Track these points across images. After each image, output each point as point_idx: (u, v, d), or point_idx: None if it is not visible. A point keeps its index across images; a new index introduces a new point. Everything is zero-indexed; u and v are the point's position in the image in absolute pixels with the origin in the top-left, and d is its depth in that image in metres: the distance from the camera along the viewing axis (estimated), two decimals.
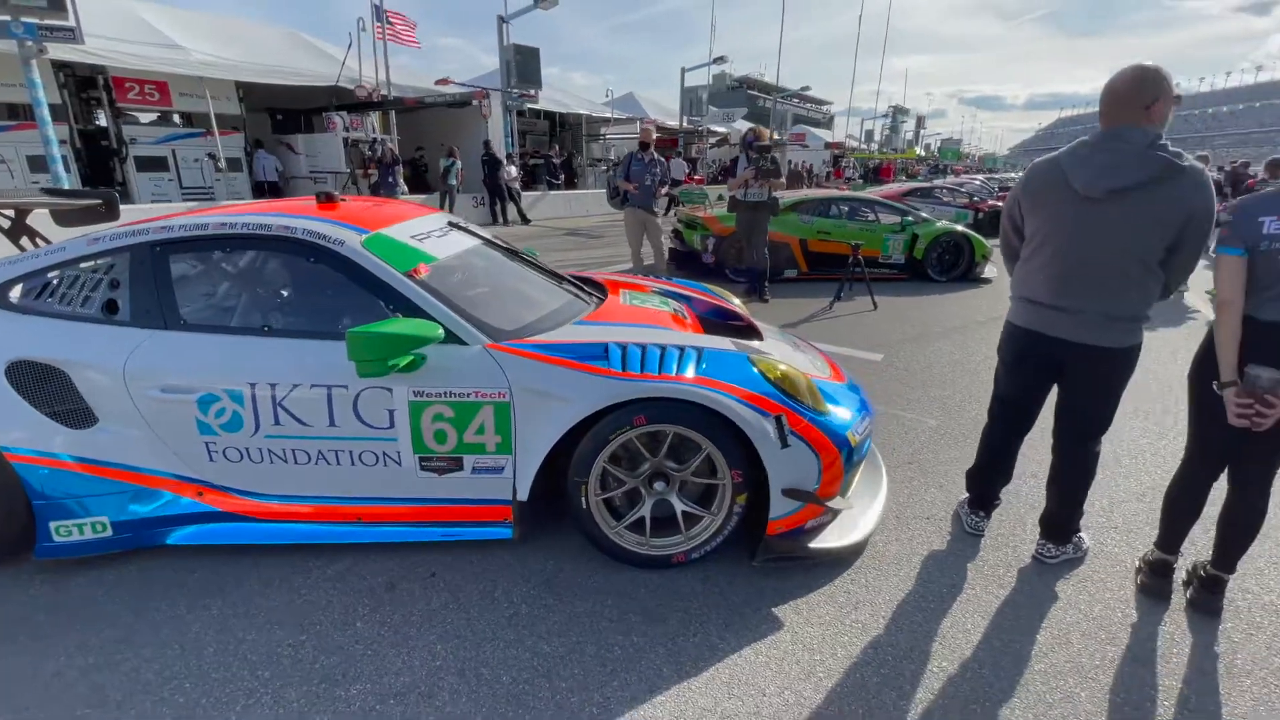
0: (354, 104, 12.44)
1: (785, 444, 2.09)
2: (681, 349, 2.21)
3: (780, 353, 2.63)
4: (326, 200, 2.51)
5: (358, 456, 2.14)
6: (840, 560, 2.29)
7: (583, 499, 2.13)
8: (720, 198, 8.96)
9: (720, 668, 1.82)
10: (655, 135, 7.05)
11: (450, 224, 2.80)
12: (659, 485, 2.19)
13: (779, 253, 7.52)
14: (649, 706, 1.69)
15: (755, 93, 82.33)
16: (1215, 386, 1.87)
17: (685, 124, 19.33)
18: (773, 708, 1.69)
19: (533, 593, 2.10)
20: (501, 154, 13.93)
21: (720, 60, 20.11)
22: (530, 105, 14.89)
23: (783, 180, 6.64)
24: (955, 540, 2.45)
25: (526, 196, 14.80)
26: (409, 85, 13.49)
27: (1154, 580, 2.14)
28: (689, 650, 1.88)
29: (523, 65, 13.87)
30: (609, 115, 18.49)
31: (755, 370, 2.20)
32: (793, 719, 1.66)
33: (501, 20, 13.96)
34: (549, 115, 18.79)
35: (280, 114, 14.46)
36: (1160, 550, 2.15)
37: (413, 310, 2.11)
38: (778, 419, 2.09)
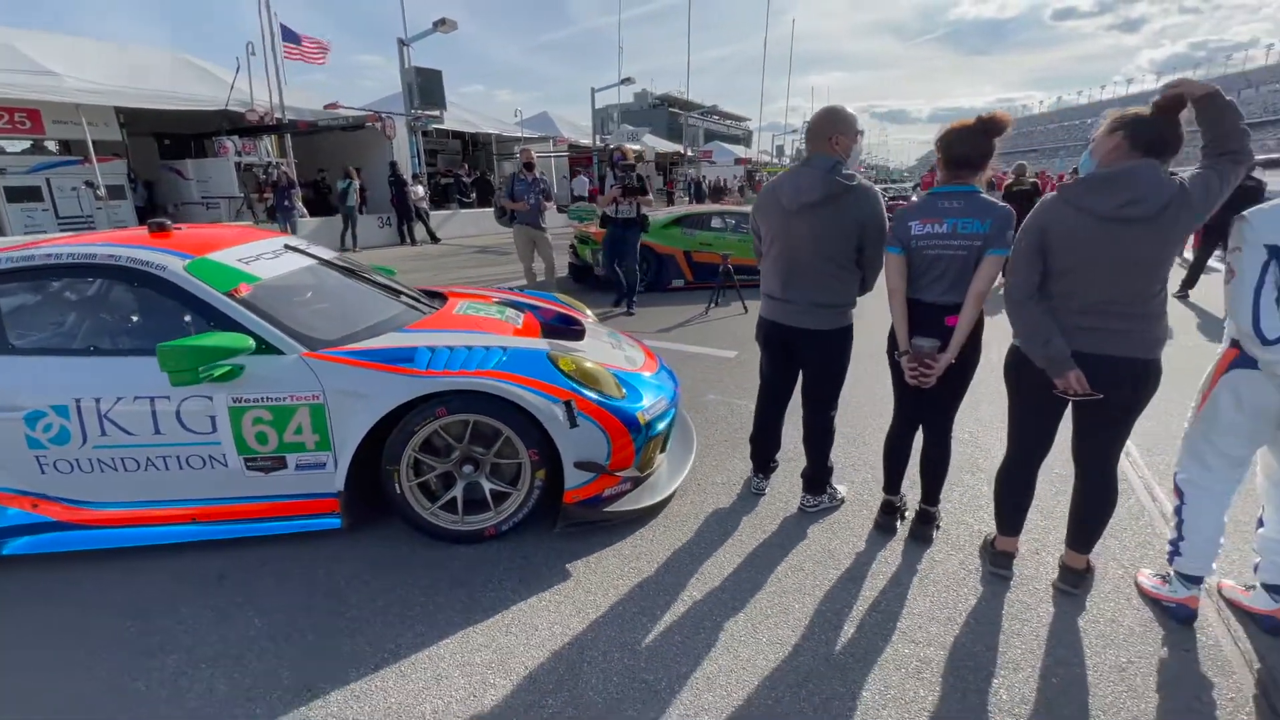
0: (246, 128, 12.20)
1: (574, 424, 2.46)
2: (488, 349, 2.56)
3: (595, 350, 3.03)
4: (158, 229, 2.72)
5: (185, 461, 2.36)
6: (638, 520, 2.69)
7: (396, 485, 2.43)
8: None
9: (507, 614, 2.15)
10: (536, 156, 7.36)
11: (287, 246, 3.05)
12: (468, 469, 2.51)
13: (666, 264, 8.07)
14: (436, 647, 2.00)
15: (676, 110, 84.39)
16: (895, 355, 2.39)
17: (599, 141, 19.88)
18: (542, 638, 2.04)
19: (354, 571, 2.37)
20: (408, 174, 13.97)
21: (628, 81, 20.84)
22: (436, 125, 14.99)
23: (649, 197, 6.72)
24: (740, 500, 2.89)
25: (437, 215, 14.85)
26: (306, 108, 13.34)
27: (883, 518, 2.64)
28: (484, 603, 2.20)
29: (425, 87, 14.00)
30: (520, 134, 18.79)
31: (551, 364, 2.57)
32: (557, 645, 2.01)
33: (402, 43, 14.05)
34: (460, 135, 18.91)
35: (169, 139, 13.95)
36: (886, 493, 2.65)
37: (231, 325, 2.36)
38: (567, 404, 2.46)
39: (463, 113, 18.27)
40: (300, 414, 2.34)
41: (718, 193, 23.45)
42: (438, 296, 3.45)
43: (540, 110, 22.76)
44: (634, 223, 6.58)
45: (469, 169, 18.08)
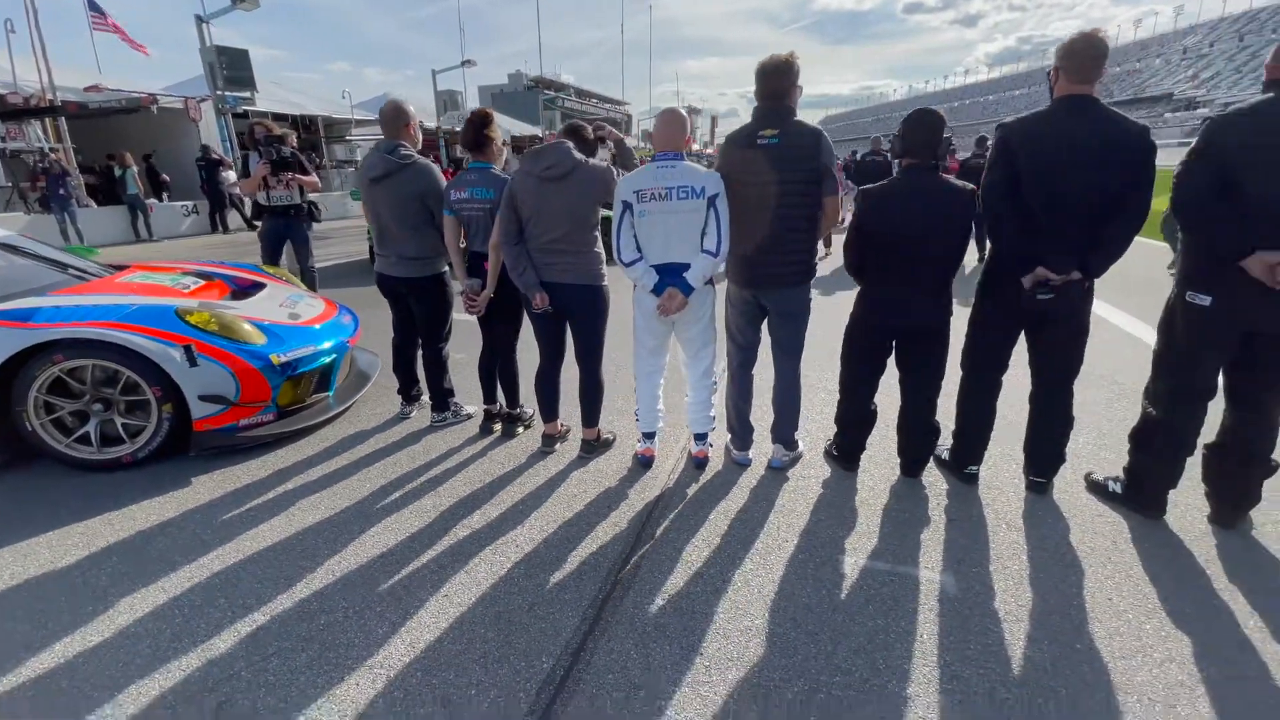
0: (8, 112, 11.12)
1: (194, 364, 2.97)
2: (117, 305, 3.01)
3: (258, 307, 3.55)
4: None
5: None
6: (279, 441, 3.26)
7: (26, 423, 2.84)
8: None
9: (116, 513, 2.65)
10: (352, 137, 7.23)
11: None
12: (98, 407, 2.95)
13: None
14: (49, 534, 2.47)
15: (551, 93, 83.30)
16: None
17: (441, 124, 19.72)
18: (137, 524, 2.56)
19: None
20: (230, 158, 13.33)
21: (468, 63, 20.80)
22: (249, 107, 14.32)
23: (315, 179, 5.35)
24: (387, 423, 3.55)
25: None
26: (88, 90, 12.31)
27: (485, 423, 3.39)
28: (99, 506, 2.68)
29: (231, 67, 13.35)
30: (350, 117, 18.28)
31: (177, 317, 3.05)
32: (145, 525, 2.55)
33: (200, 20, 13.28)
34: (285, 117, 18.05)
35: None
36: (485, 404, 3.40)
37: None
38: (186, 348, 2.97)
39: (289, 94, 17.48)
40: None
41: None
42: (119, 269, 3.79)
43: (382, 93, 22.11)
44: (298, 210, 5.25)
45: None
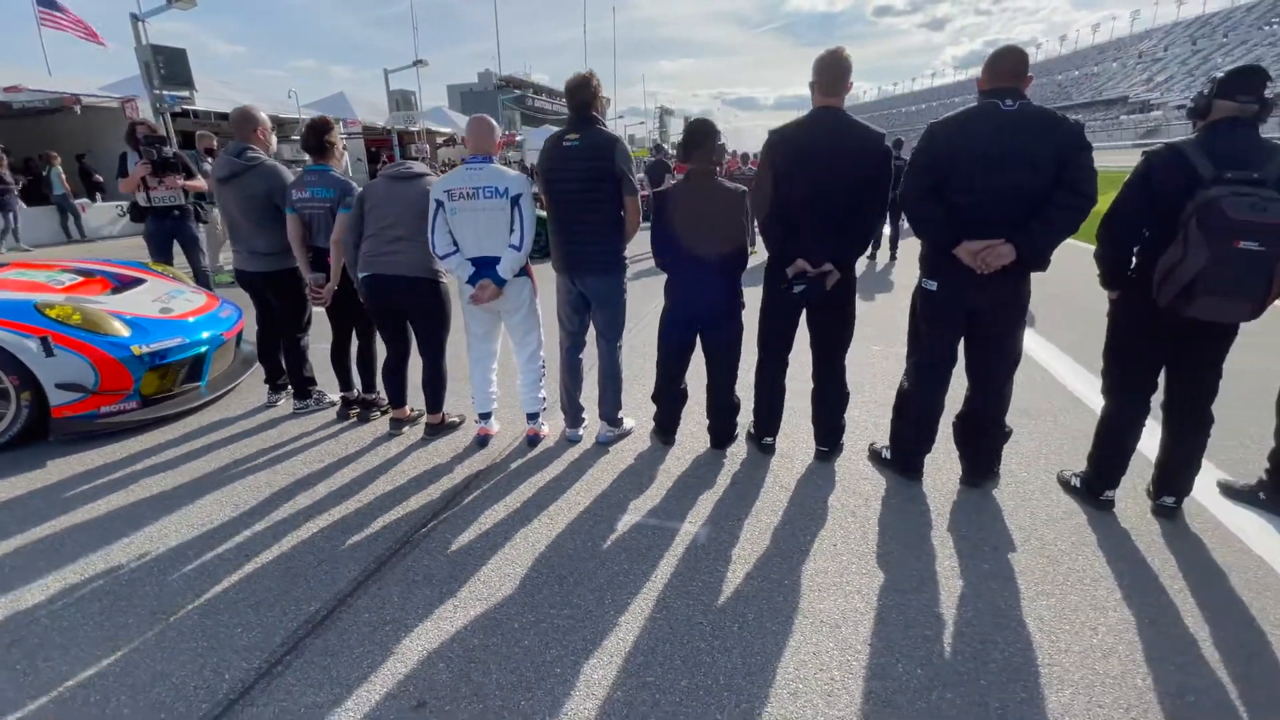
0: None
1: (50, 354, 3.16)
2: None
3: (133, 302, 3.74)
4: None
5: None
6: (142, 428, 3.45)
7: None
8: None
9: None
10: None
11: None
12: None
13: None
14: None
15: (518, 91, 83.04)
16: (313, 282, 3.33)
17: (391, 124, 19.73)
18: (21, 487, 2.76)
19: None
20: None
21: (420, 63, 20.82)
22: (188, 106, 14.22)
23: (200, 182, 5.27)
24: (255, 410, 3.76)
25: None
26: (8, 90, 12.14)
27: (344, 409, 3.62)
28: None
29: (168, 66, 13.26)
30: (298, 116, 18.21)
31: (36, 310, 3.23)
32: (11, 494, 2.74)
33: (135, 19, 13.16)
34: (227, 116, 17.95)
35: None
36: (341, 391, 3.63)
37: None
38: (42, 339, 3.15)
39: (234, 93, 17.34)
40: None
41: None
42: None
43: (337, 91, 22.06)
44: (184, 212, 5.21)
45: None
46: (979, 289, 2.50)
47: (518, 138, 26.51)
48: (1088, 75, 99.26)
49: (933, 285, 2.62)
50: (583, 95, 2.89)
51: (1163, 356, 2.45)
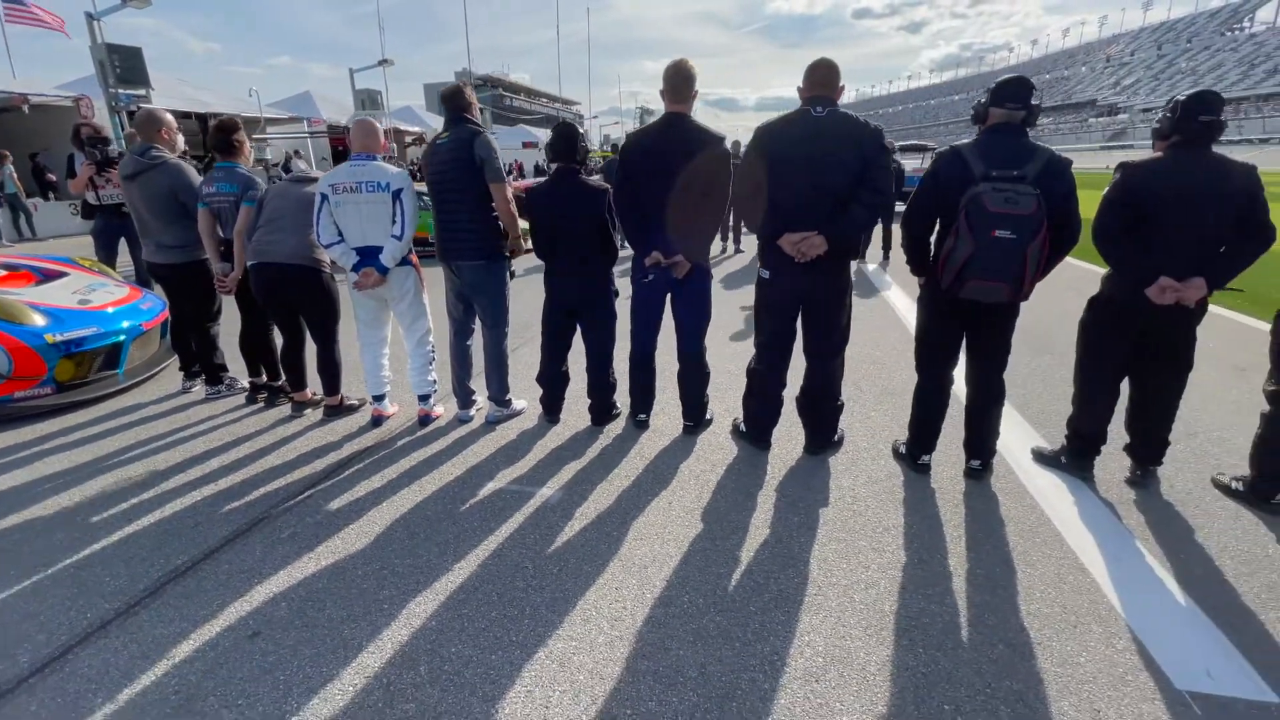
0: None
1: None
2: None
3: (52, 293, 3.92)
4: None
5: None
6: (56, 412, 3.64)
7: None
8: None
9: None
10: (260, 136, 7.06)
11: None
12: None
13: None
14: None
15: (501, 91, 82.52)
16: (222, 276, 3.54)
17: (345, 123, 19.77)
18: None
19: None
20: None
21: (385, 63, 20.90)
22: (145, 105, 14.20)
23: None
24: (173, 396, 3.95)
25: None
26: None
27: (252, 394, 3.83)
28: None
29: (124, 65, 13.25)
30: (260, 115, 18.22)
31: None
32: None
33: (91, 18, 13.15)
34: (198, 116, 17.88)
35: None
36: (251, 376, 3.85)
37: None
38: None
39: (194, 91, 17.31)
40: None
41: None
42: None
43: (303, 90, 22.03)
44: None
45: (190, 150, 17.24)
46: (803, 276, 2.79)
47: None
48: (1058, 79, 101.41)
49: (766, 274, 2.91)
50: (456, 101, 3.18)
51: (956, 335, 2.76)
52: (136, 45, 13.39)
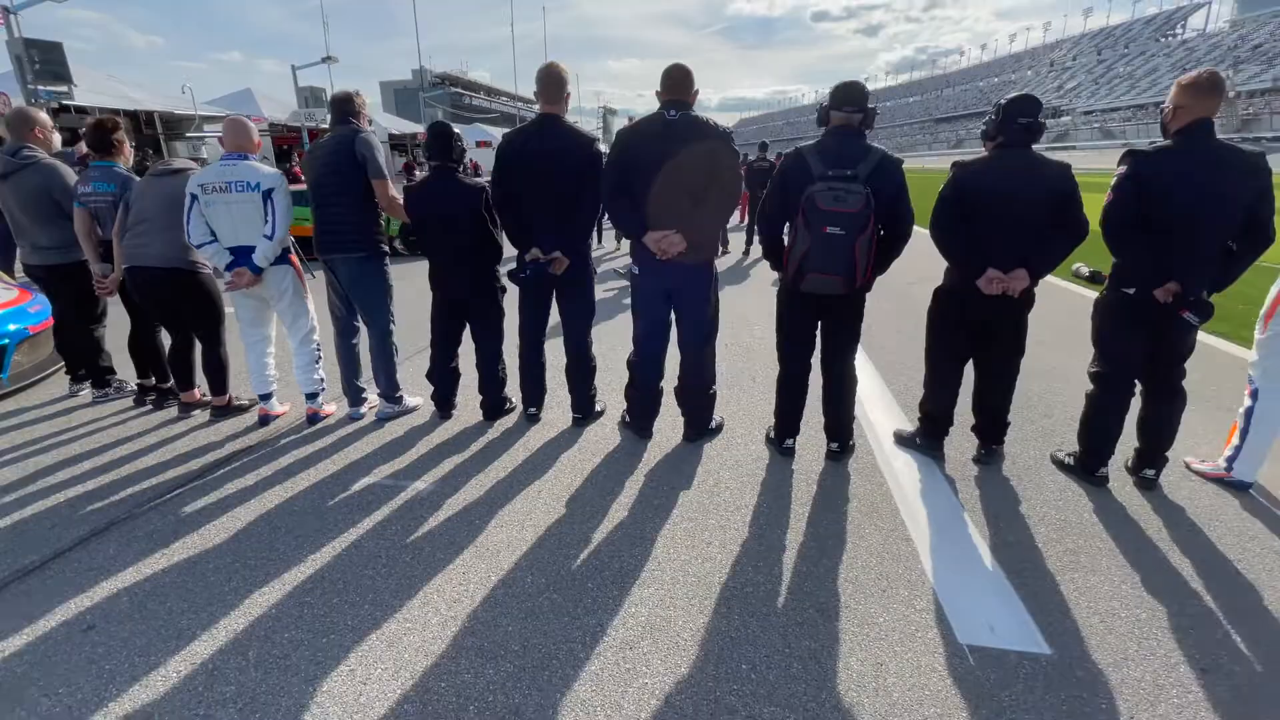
0: None
1: None
2: None
3: None
4: None
5: None
6: None
7: None
8: None
9: None
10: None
11: None
12: None
13: None
14: None
15: (458, 89, 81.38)
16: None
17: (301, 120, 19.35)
18: None
19: None
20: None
21: (329, 59, 20.48)
22: (68, 102, 13.67)
23: None
24: (60, 399, 3.87)
25: None
26: None
27: (140, 396, 3.79)
28: None
29: (44, 60, 12.73)
30: (195, 113, 17.68)
31: None
32: None
33: (7, 11, 12.59)
34: (129, 113, 17.25)
35: None
36: (138, 378, 3.80)
37: None
38: None
39: (125, 88, 16.69)
40: None
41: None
42: None
43: (244, 86, 21.42)
44: None
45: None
46: (668, 272, 2.92)
47: None
48: (1005, 82, 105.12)
49: (636, 270, 3.03)
50: (345, 107, 3.25)
51: (810, 325, 2.92)
52: (57, 40, 12.89)
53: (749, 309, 6.16)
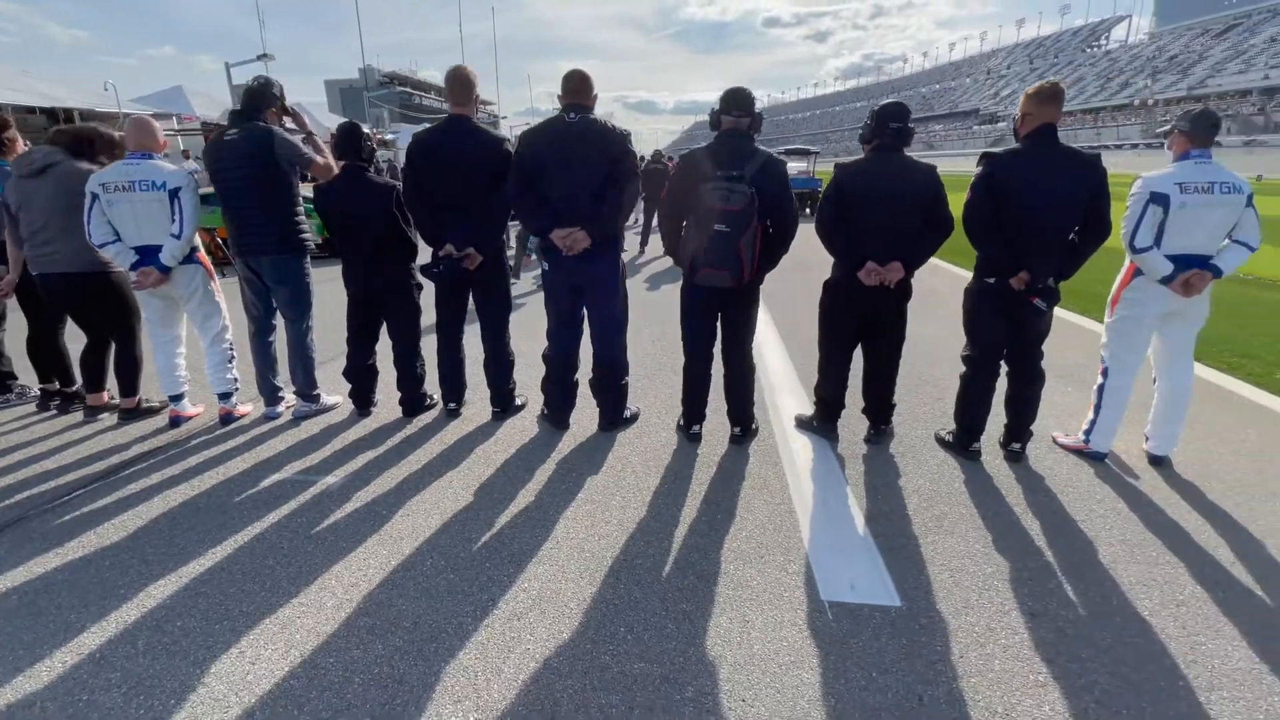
0: None
1: None
2: None
3: None
4: None
5: None
6: None
7: None
8: None
9: None
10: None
11: None
12: None
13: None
14: None
15: (407, 89, 79.69)
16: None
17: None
18: None
19: None
20: None
21: (265, 57, 19.86)
22: None
23: None
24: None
25: None
26: None
27: (42, 402, 3.69)
28: None
29: None
30: (119, 111, 16.87)
31: None
32: None
33: None
34: (46, 111, 16.35)
35: None
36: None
37: None
38: None
39: (43, 84, 15.83)
40: None
41: None
42: None
43: (175, 84, 20.54)
44: None
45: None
46: (574, 266, 3.05)
47: (387, 137, 25.78)
48: (946, 89, 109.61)
49: (545, 265, 3.15)
50: (249, 101, 3.24)
51: (710, 317, 3.10)
52: None
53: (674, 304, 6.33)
